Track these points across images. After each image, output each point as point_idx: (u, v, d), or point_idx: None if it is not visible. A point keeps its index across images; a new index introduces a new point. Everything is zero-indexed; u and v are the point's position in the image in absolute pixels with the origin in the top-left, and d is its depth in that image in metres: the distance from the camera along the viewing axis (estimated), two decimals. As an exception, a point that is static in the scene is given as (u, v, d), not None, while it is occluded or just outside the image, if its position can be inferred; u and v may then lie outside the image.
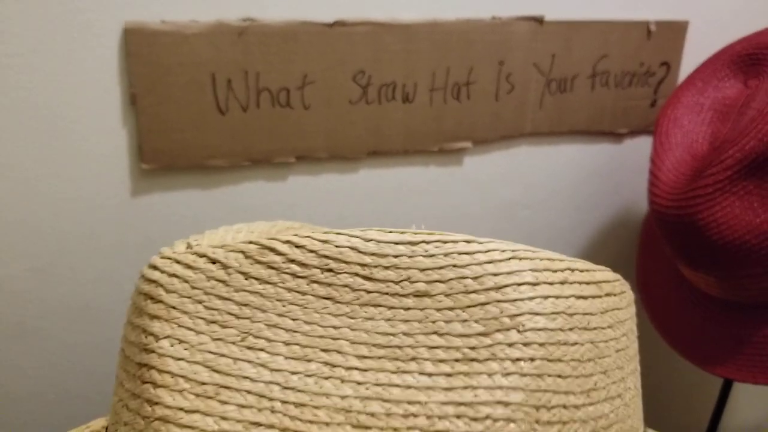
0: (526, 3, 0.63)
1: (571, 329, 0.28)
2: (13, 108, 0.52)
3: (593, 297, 0.30)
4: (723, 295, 0.60)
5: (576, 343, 0.28)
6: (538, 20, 0.63)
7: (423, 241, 0.28)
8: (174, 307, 0.28)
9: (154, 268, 0.29)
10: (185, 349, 0.27)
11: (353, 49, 0.58)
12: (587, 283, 0.30)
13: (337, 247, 0.28)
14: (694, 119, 0.61)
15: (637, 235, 0.77)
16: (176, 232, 0.60)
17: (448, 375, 0.27)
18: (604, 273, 0.31)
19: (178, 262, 0.28)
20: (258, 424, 0.26)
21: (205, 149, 0.57)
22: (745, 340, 0.60)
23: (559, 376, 0.27)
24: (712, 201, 0.54)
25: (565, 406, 0.27)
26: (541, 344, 0.27)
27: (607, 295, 0.31)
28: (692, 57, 0.72)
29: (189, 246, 0.29)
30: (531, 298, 0.28)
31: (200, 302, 0.28)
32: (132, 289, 0.61)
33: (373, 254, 0.27)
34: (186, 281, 0.28)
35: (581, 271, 0.30)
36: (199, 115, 0.56)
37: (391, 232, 0.28)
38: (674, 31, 0.70)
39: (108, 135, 0.55)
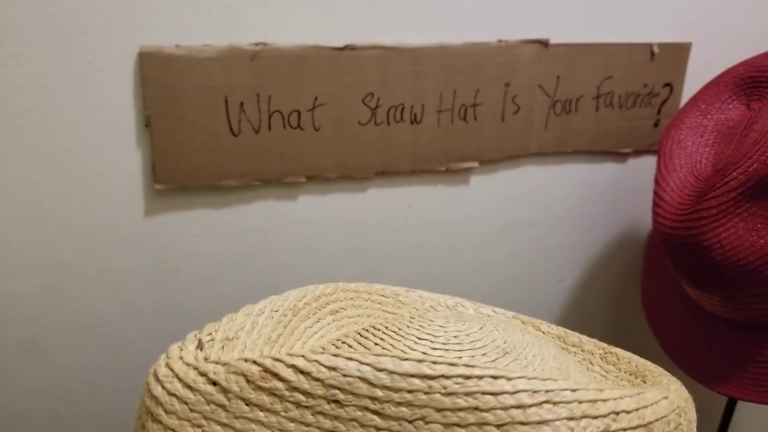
0: (531, 26, 0.64)
1: None
2: (28, 129, 0.53)
3: None
4: (727, 314, 0.60)
5: None
6: (544, 43, 0.65)
7: (442, 376, 0.25)
8: (171, 429, 0.27)
9: (156, 379, 0.27)
10: None
11: (363, 73, 0.59)
12: (634, 428, 0.26)
13: (345, 376, 0.25)
14: (697, 141, 0.62)
15: (641, 253, 0.78)
16: (188, 251, 0.61)
17: None
18: (656, 407, 0.27)
19: (179, 379, 0.27)
20: None
21: (217, 170, 0.58)
22: (749, 359, 0.60)
23: None
24: (716, 222, 0.55)
25: None
26: None
27: None
28: (695, 78, 0.73)
29: (200, 343, 0.28)
30: None
31: (199, 426, 0.26)
32: (143, 305, 0.62)
33: (385, 387, 0.25)
34: (185, 403, 0.27)
35: (628, 412, 0.26)
36: (212, 137, 0.57)
37: (407, 359, 0.25)
38: (677, 53, 0.71)
39: (122, 156, 0.56)
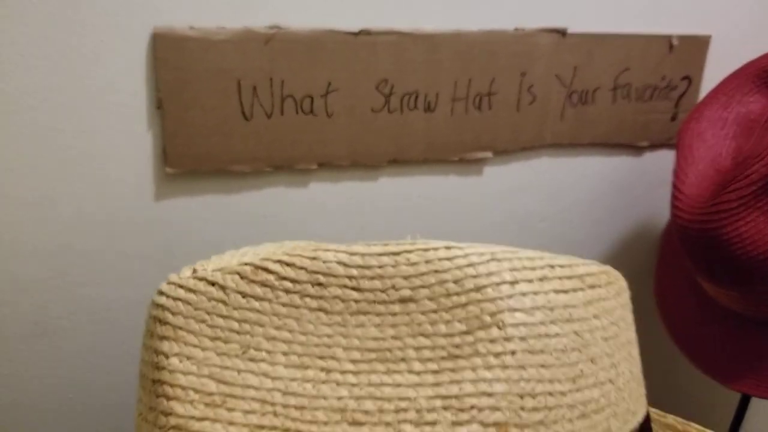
0: (549, 15, 0.63)
1: (552, 322, 0.30)
2: (39, 109, 0.52)
3: (575, 290, 0.32)
4: (744, 310, 0.59)
5: (558, 335, 0.30)
6: (561, 32, 0.64)
7: (405, 251, 0.30)
8: (180, 328, 0.30)
9: (161, 293, 0.32)
10: (192, 364, 0.30)
11: (377, 58, 0.58)
12: (569, 278, 0.32)
13: (324, 262, 0.30)
14: (717, 133, 0.61)
15: (655, 248, 0.77)
16: (198, 236, 0.60)
17: (435, 372, 0.29)
18: (588, 267, 0.33)
19: (181, 286, 0.31)
20: (262, 427, 0.29)
21: (228, 154, 0.57)
22: (764, 355, 0.59)
23: (542, 366, 0.29)
24: (736, 216, 0.54)
25: (550, 393, 0.29)
26: (522, 338, 0.29)
27: (591, 287, 0.32)
28: (714, 72, 0.71)
29: (195, 271, 0.32)
30: (510, 296, 0.30)
31: (203, 321, 0.30)
32: (153, 291, 0.61)
33: (359, 266, 0.29)
34: (189, 303, 0.30)
35: (562, 266, 0.32)
36: (224, 121, 0.56)
37: (375, 245, 0.30)
38: (696, 46, 0.70)
39: (133, 139, 0.55)
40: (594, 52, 0.66)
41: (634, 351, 0.36)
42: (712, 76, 0.71)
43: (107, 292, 0.59)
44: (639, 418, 0.35)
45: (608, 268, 0.35)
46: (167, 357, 0.31)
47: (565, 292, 0.31)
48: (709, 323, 0.64)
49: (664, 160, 0.73)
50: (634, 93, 0.69)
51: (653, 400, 0.44)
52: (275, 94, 0.57)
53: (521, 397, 0.29)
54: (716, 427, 0.82)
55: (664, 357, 0.74)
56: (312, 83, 0.57)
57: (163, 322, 0.31)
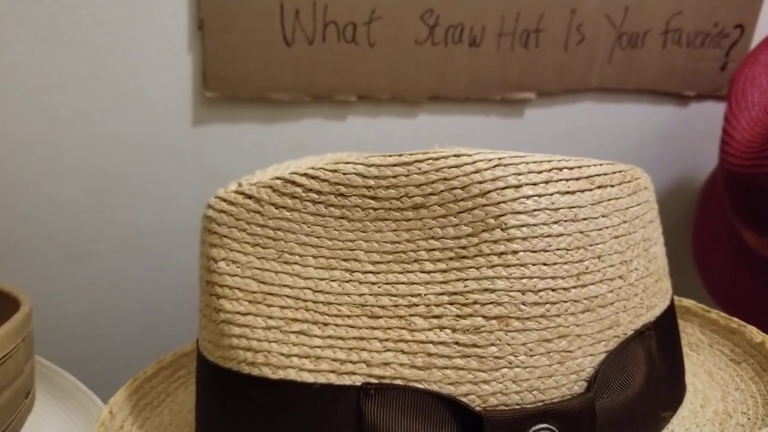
0: (602, -50, 0.61)
1: (555, 222, 0.32)
2: (79, 23, 0.51)
3: (582, 191, 0.33)
4: (789, 262, 0.58)
5: (561, 234, 0.32)
6: (615, -31, 0.61)
7: (417, 161, 0.32)
8: (225, 236, 0.34)
9: (210, 206, 0.35)
10: (237, 267, 0.33)
11: (423, -13, 0.57)
12: (576, 179, 0.33)
13: (344, 174, 0.32)
14: (773, 79, 0.58)
15: (695, 202, 0.75)
16: (233, 164, 0.59)
17: (444, 271, 0.31)
18: (599, 167, 0.34)
19: (224, 200, 0.34)
20: (295, 320, 0.32)
21: (268, 81, 0.56)
22: (805, 312, 0.58)
23: (545, 264, 0.31)
24: (789, 161, 0.52)
25: (552, 289, 0.31)
26: (524, 238, 0.31)
27: (600, 187, 0.33)
28: (767, 22, 0.69)
29: (240, 184, 0.34)
30: (513, 199, 0.31)
31: (244, 230, 0.33)
32: (187, 218, 0.61)
33: (375, 177, 0.32)
34: (231, 215, 0.34)
35: (570, 168, 0.33)
36: (264, 45, 0.55)
37: (390, 156, 0.32)
38: (752, -8, 0.67)
39: (173, 59, 0.54)
40: (647, -7, 0.63)
41: (654, 248, 0.37)
42: (765, 26, 0.69)
43: (140, 217, 0.59)
44: (657, 312, 0.36)
45: (627, 166, 0.35)
46: (216, 261, 0.34)
47: (571, 193, 0.32)
48: (748, 277, 0.63)
49: (710, 112, 0.71)
50: (684, 39, 0.66)
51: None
52: (318, 19, 0.55)
53: (522, 293, 0.31)
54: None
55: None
56: (355, 9, 0.56)
57: (211, 232, 0.34)
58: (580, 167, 0.33)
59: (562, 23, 0.61)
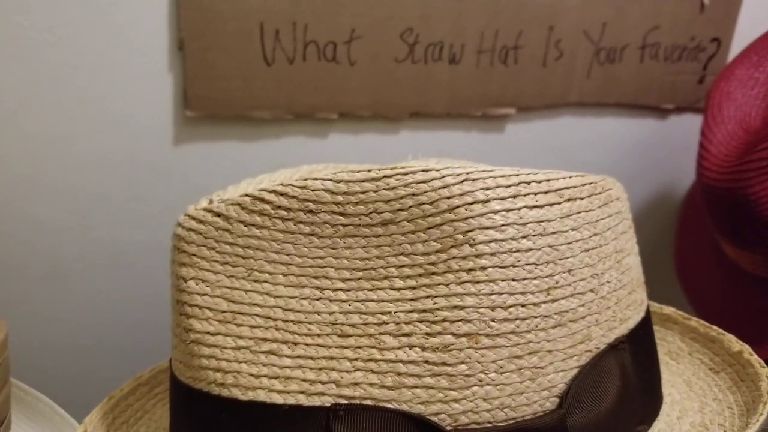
0: (579, -32, 0.62)
1: (523, 237, 0.31)
2: (59, 45, 0.51)
3: (550, 204, 0.32)
4: (767, 273, 0.58)
5: (530, 249, 0.32)
6: (591, -14, 0.62)
7: (385, 176, 0.31)
8: (194, 255, 0.34)
9: (179, 225, 0.35)
10: (206, 286, 0.33)
11: (402, 5, 0.57)
12: (544, 192, 0.32)
13: (313, 191, 0.32)
14: (747, 93, 0.59)
15: (676, 214, 0.76)
16: (215, 182, 0.59)
17: (413, 288, 0.31)
18: (569, 180, 0.34)
19: (193, 218, 0.34)
20: (265, 339, 0.32)
21: (249, 99, 0.56)
22: (785, 322, 0.58)
23: (514, 280, 0.31)
24: (765, 175, 0.52)
25: (522, 305, 0.31)
26: (492, 254, 0.31)
27: (569, 200, 0.33)
28: (743, 35, 0.70)
29: (211, 201, 0.34)
30: (481, 215, 0.31)
31: (213, 248, 0.33)
32: (168, 236, 0.61)
33: (344, 193, 0.32)
34: (200, 233, 0.33)
35: (538, 182, 0.33)
36: (245, 64, 0.55)
37: (359, 171, 0.32)
38: (728, 7, 0.68)
39: (154, 79, 0.54)
40: (624, 9, 0.64)
41: (627, 259, 0.37)
42: (741, 40, 0.70)
43: (121, 235, 0.59)
44: (631, 324, 0.36)
45: (598, 177, 0.35)
46: (185, 280, 0.34)
47: (540, 206, 0.32)
48: (730, 288, 0.64)
49: (689, 124, 0.72)
50: (662, 53, 0.67)
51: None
52: (298, 38, 0.56)
53: (492, 309, 0.31)
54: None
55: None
56: (336, 29, 0.56)
57: (180, 250, 0.34)
58: (548, 180, 0.33)
59: (540, 40, 0.62)
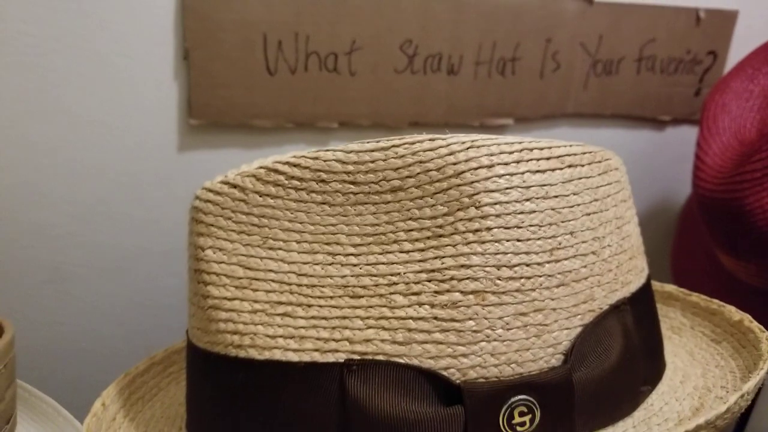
0: (576, -18, 0.63)
1: (527, 199, 0.33)
2: (64, 53, 0.53)
3: (552, 170, 0.34)
4: (763, 284, 0.59)
5: (534, 211, 0.33)
6: (588, 0, 0.63)
7: (393, 146, 0.33)
8: (211, 225, 0.35)
9: (197, 197, 0.36)
10: (223, 254, 0.35)
11: (402, 17, 0.58)
12: (546, 159, 0.34)
13: (325, 161, 0.33)
14: (742, 105, 0.60)
15: (673, 224, 0.76)
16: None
17: (422, 250, 0.33)
18: (570, 148, 0.35)
19: (210, 190, 0.35)
20: (280, 303, 0.33)
21: (251, 108, 0.57)
22: (781, 333, 0.59)
23: (518, 240, 0.32)
24: (759, 186, 0.53)
25: (527, 264, 0.32)
26: (497, 215, 0.32)
27: (570, 166, 0.35)
28: (739, 49, 0.71)
29: (225, 176, 0.36)
30: (486, 179, 0.32)
31: (229, 218, 0.35)
32: (169, 242, 0.62)
33: (354, 163, 0.33)
34: (217, 204, 0.35)
35: (540, 149, 0.34)
36: (248, 74, 0.56)
37: (368, 142, 0.33)
38: (723, 20, 0.70)
39: (158, 88, 0.56)
40: (620, 22, 0.65)
41: (627, 226, 0.38)
42: (737, 53, 0.70)
43: (123, 241, 0.60)
44: (632, 288, 0.37)
45: (598, 148, 0.37)
46: (203, 249, 0.35)
47: (542, 171, 0.33)
48: (725, 298, 0.64)
49: (685, 135, 0.73)
50: (659, 65, 0.68)
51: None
52: (300, 49, 0.57)
53: (498, 268, 0.32)
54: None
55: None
56: (337, 40, 0.57)
57: (198, 221, 0.36)
58: (550, 147, 0.34)
59: (537, 51, 0.63)
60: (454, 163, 0.32)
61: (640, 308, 0.37)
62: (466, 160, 0.32)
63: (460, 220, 0.32)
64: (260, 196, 0.34)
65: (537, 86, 0.64)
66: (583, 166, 0.35)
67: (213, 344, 0.35)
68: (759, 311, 0.60)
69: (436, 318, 0.32)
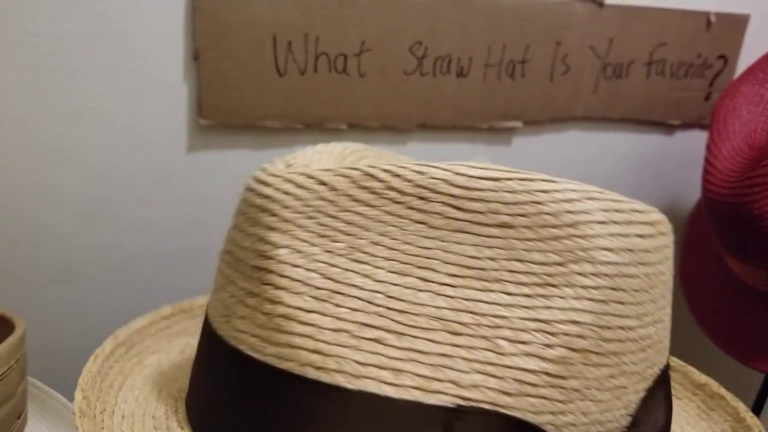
0: (587, -15, 0.63)
1: (632, 263, 0.32)
2: (74, 52, 0.53)
3: (651, 236, 0.33)
4: (771, 289, 0.59)
5: (634, 276, 0.32)
6: (598, 3, 0.63)
7: (506, 178, 0.30)
8: (289, 221, 0.31)
9: (265, 184, 0.32)
10: (301, 258, 0.31)
11: (411, 19, 0.58)
12: (646, 224, 0.33)
13: (430, 178, 0.30)
14: (753, 109, 0.60)
15: (681, 229, 0.76)
16: (226, 190, 0.61)
17: (528, 296, 0.30)
18: (657, 214, 0.35)
19: (288, 180, 0.31)
20: (368, 325, 0.30)
21: (261, 109, 0.58)
22: (789, 338, 0.58)
23: (620, 303, 0.32)
24: (768, 191, 0.53)
25: (622, 328, 0.32)
26: (609, 275, 0.31)
27: (661, 234, 0.34)
28: (750, 53, 0.70)
29: (288, 165, 0.33)
30: (601, 235, 0.31)
31: (312, 218, 0.31)
32: (177, 242, 0.62)
33: (462, 187, 0.30)
34: (300, 199, 0.31)
35: (641, 212, 0.33)
36: (258, 75, 0.56)
37: (475, 167, 0.31)
38: (734, 24, 0.69)
39: (168, 88, 0.56)
40: (630, 25, 0.65)
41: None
42: (747, 58, 0.70)
43: (131, 241, 0.60)
44: (668, 352, 0.38)
45: (665, 217, 0.37)
46: (276, 247, 0.31)
47: (642, 236, 0.33)
48: (734, 303, 0.64)
49: (695, 140, 0.73)
50: (668, 69, 0.68)
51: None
52: (309, 50, 0.57)
53: (602, 328, 0.31)
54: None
55: (687, 337, 0.73)
56: (346, 41, 0.58)
57: (272, 213, 0.31)
58: (646, 212, 0.34)
59: (547, 54, 0.63)
60: (572, 212, 0.31)
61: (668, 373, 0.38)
62: (584, 212, 0.31)
63: (573, 273, 0.31)
64: (352, 201, 0.31)
65: (546, 89, 0.64)
66: (666, 235, 0.35)
67: (282, 359, 0.31)
68: (766, 316, 0.60)
69: (546, 373, 0.30)
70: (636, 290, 0.32)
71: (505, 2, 0.60)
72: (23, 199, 0.56)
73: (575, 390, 0.31)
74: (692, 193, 0.74)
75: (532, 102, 0.64)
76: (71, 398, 0.49)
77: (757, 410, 0.70)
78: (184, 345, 0.47)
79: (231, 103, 0.57)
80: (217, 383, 0.34)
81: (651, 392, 0.34)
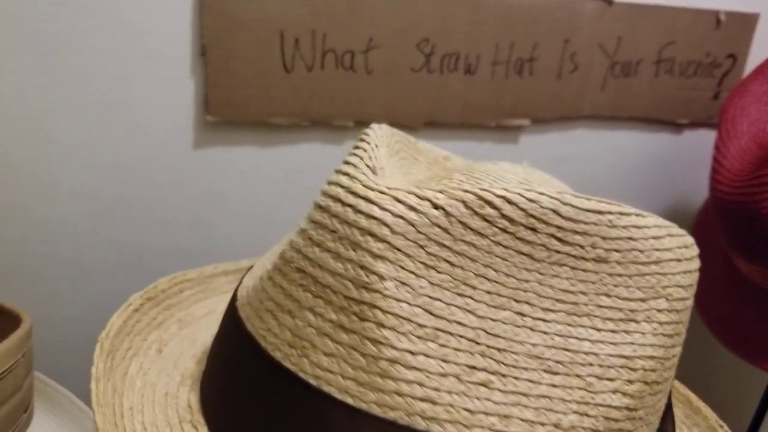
0: (595, -17, 0.62)
1: (691, 297, 0.32)
2: (84, 51, 0.53)
3: (694, 271, 0.33)
4: (780, 289, 0.58)
5: (690, 307, 0.33)
6: (607, 1, 0.63)
7: (608, 211, 0.30)
8: (400, 250, 0.28)
9: (371, 202, 0.28)
10: (408, 292, 0.28)
11: (419, 16, 0.58)
12: (695, 258, 0.33)
13: (542, 207, 0.29)
14: (762, 109, 0.60)
15: (689, 229, 0.76)
16: (232, 187, 0.61)
17: (614, 332, 0.30)
18: (690, 238, 0.34)
19: (400, 201, 0.28)
20: (474, 368, 0.28)
21: (268, 106, 0.58)
22: (797, 339, 0.58)
23: (680, 335, 0.32)
24: (777, 190, 0.53)
25: (676, 356, 0.33)
26: (678, 311, 0.31)
27: (696, 270, 0.34)
28: (759, 52, 0.70)
29: (374, 170, 0.30)
30: (678, 273, 0.31)
31: (422, 247, 0.28)
32: (185, 238, 0.62)
33: (569, 219, 0.29)
34: (412, 224, 0.28)
35: (689, 247, 0.33)
36: (265, 72, 0.56)
37: (578, 197, 0.30)
38: (744, 23, 0.69)
39: (175, 85, 0.56)
40: (639, 23, 0.65)
41: None
42: (757, 57, 0.70)
43: (139, 238, 0.60)
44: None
45: None
46: (383, 280, 0.27)
47: (691, 272, 0.33)
48: (741, 304, 0.63)
49: (703, 139, 0.72)
50: (677, 68, 0.68)
51: (683, 380, 0.45)
52: (317, 47, 0.57)
53: (667, 360, 0.32)
54: (746, 408, 0.81)
55: (694, 338, 0.73)
56: (353, 38, 0.57)
57: (381, 239, 0.27)
58: (691, 246, 0.33)
59: (555, 52, 0.63)
60: (658, 249, 0.30)
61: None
62: (667, 249, 0.31)
63: (652, 309, 0.30)
64: (464, 229, 0.28)
65: (554, 87, 0.64)
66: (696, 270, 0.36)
67: (386, 407, 0.28)
68: (775, 317, 0.60)
69: (627, 408, 0.30)
70: (684, 327, 0.33)
71: (513, 0, 0.60)
72: (34, 196, 0.56)
73: (641, 419, 0.31)
74: (700, 192, 0.73)
75: (540, 100, 0.64)
76: (77, 393, 0.49)
77: (762, 410, 0.70)
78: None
79: (238, 100, 0.57)
80: (286, 424, 0.30)
81: (664, 420, 0.35)
